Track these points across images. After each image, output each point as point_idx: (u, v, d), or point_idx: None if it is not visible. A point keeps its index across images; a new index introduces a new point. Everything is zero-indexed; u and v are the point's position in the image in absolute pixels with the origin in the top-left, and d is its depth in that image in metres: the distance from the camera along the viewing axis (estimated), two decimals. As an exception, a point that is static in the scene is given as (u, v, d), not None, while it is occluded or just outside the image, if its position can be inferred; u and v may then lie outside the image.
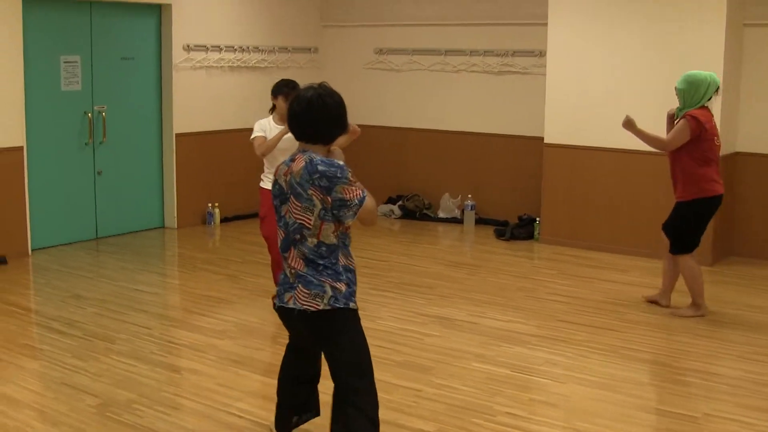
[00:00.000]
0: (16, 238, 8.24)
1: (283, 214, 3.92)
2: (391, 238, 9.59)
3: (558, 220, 9.21)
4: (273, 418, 4.43)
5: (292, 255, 3.91)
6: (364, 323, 4.01)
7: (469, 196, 10.27)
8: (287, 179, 3.86)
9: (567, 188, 9.13)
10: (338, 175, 3.75)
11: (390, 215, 10.71)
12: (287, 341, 4.31)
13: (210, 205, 9.98)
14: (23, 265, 8.04)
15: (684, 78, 6.45)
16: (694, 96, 6.41)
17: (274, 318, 6.45)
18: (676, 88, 6.49)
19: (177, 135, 9.64)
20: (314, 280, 3.83)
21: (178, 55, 9.54)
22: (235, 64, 10.17)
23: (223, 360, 5.69)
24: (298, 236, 3.85)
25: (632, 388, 5.34)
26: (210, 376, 5.37)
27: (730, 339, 6.27)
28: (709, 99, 6.45)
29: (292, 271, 3.90)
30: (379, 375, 4.16)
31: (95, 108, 9.00)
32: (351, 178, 3.77)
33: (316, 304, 3.83)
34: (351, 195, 3.76)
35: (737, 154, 8.61)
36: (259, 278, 7.72)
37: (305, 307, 3.84)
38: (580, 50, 8.90)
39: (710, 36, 8.10)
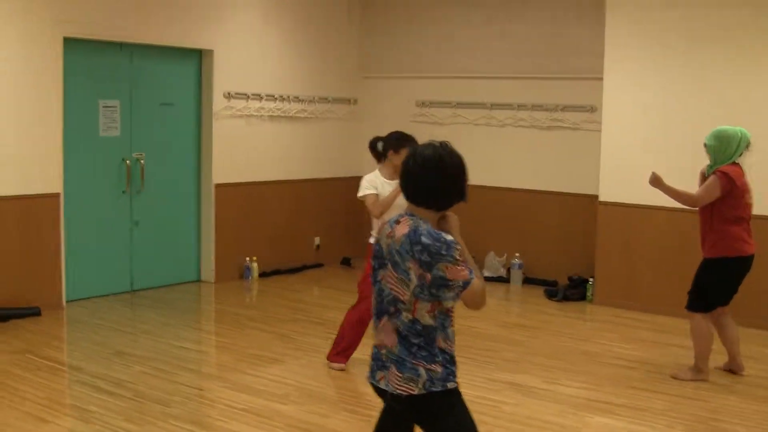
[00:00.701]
0: (51, 288, 7.86)
1: (379, 278, 3.52)
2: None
3: (613, 281, 8.83)
4: None
5: (384, 326, 3.51)
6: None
7: (516, 254, 9.88)
8: (388, 243, 3.47)
9: (623, 248, 8.77)
10: (443, 251, 3.31)
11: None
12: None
13: (248, 259, 9.59)
14: (58, 318, 7.66)
15: (713, 134, 6.19)
16: (725, 152, 6.14)
17: (334, 381, 6.12)
18: (705, 144, 6.23)
19: (216, 185, 9.25)
20: (407, 363, 3.42)
21: (218, 103, 9.23)
22: (275, 114, 9.86)
23: (293, 428, 5.26)
24: (392, 309, 3.46)
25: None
26: (281, 446, 4.93)
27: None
28: (740, 155, 6.18)
29: (384, 349, 3.50)
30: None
31: (133, 155, 8.66)
32: (458, 257, 3.32)
33: (410, 389, 3.42)
34: (455, 275, 3.32)
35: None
36: (311, 337, 7.35)
37: (399, 391, 3.44)
38: (638, 105, 8.60)
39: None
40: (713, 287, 6.31)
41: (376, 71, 10.96)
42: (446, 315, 3.44)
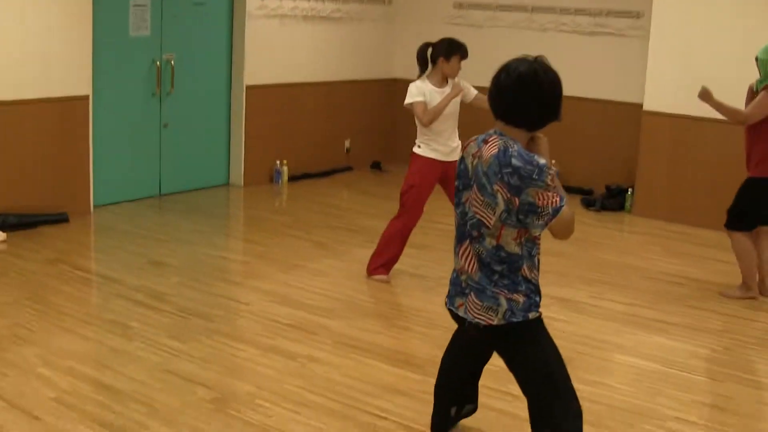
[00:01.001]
0: (78, 194, 7.61)
1: (462, 200, 3.30)
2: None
3: (654, 192, 8.60)
4: (429, 421, 3.88)
5: (465, 251, 3.31)
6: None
7: (553, 161, 9.56)
8: (474, 163, 3.22)
9: (667, 159, 8.50)
10: (534, 176, 3.07)
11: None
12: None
13: (278, 162, 9.34)
14: (86, 224, 7.45)
15: (766, 48, 5.85)
16: None
17: (382, 295, 5.94)
18: (756, 58, 5.90)
19: (247, 87, 8.95)
20: (487, 291, 3.22)
21: (252, 2, 8.84)
22: (309, 14, 9.48)
23: (341, 345, 5.10)
24: (475, 233, 3.24)
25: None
26: (332, 366, 4.78)
27: None
28: None
29: (464, 275, 3.31)
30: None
31: (164, 56, 8.33)
32: (549, 182, 3.08)
33: (490, 319, 3.25)
34: (545, 202, 3.08)
35: None
36: (349, 246, 7.18)
37: (477, 320, 3.27)
38: (689, 11, 8.21)
39: None
40: (754, 206, 6.07)
41: (411, -31, 10.52)
42: (533, 243, 3.23)
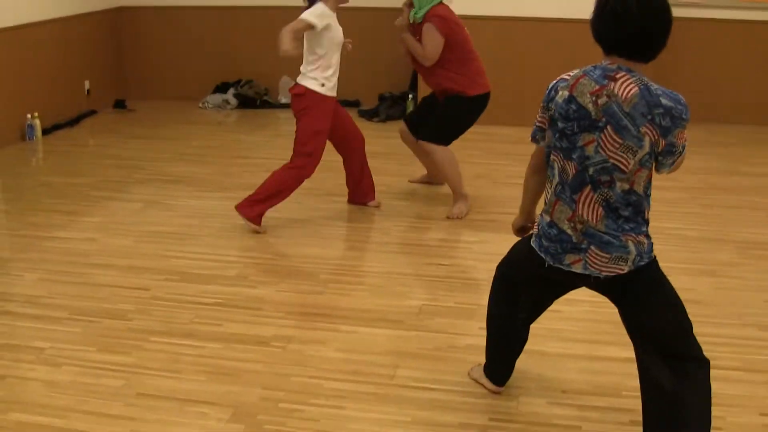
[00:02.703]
0: None
1: (580, 144, 2.94)
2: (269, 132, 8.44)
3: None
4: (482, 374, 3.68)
5: (587, 198, 2.98)
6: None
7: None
8: (603, 102, 2.87)
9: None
10: (684, 115, 2.86)
11: (225, 107, 9.46)
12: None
13: (29, 115, 8.12)
14: None
15: None
16: None
17: (278, 249, 5.40)
18: None
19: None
20: (614, 240, 2.96)
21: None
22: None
23: (298, 316, 4.54)
24: (606, 178, 2.93)
25: None
26: (317, 342, 4.22)
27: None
28: None
29: (582, 225, 2.99)
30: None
31: None
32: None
33: (620, 269, 3.00)
34: (682, 140, 2.91)
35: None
36: (183, 199, 6.41)
37: (606, 273, 3.02)
38: None
39: None
40: (456, 123, 5.98)
41: None
42: (650, 181, 3.00)
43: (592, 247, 2.98)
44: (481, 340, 3.74)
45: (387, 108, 8.83)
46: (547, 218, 3.09)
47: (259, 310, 4.51)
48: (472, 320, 4.34)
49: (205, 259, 5.19)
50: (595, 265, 3.00)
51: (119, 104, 9.37)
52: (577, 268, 3.04)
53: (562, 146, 2.98)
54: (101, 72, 9.34)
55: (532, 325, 3.59)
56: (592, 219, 2.97)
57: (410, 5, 5.80)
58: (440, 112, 5.85)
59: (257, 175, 5.89)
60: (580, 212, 2.98)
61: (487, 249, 5.37)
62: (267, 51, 8.91)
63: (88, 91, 9.14)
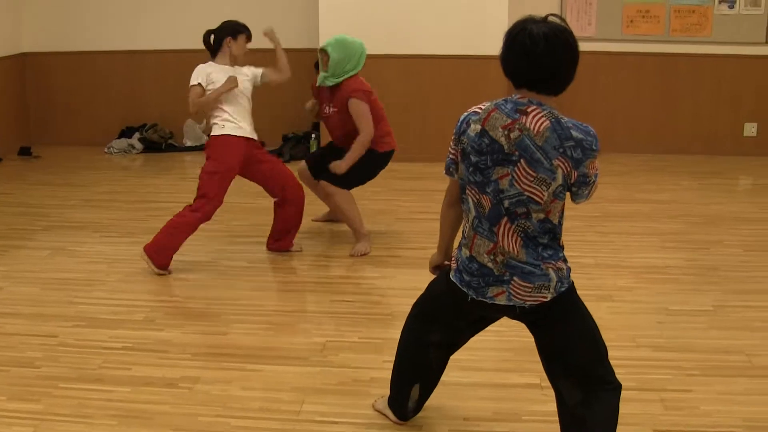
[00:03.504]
0: None
1: (494, 178, 3.04)
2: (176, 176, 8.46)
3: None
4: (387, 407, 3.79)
5: (505, 230, 3.08)
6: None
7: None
8: (515, 136, 2.98)
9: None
10: (594, 146, 2.99)
11: (130, 151, 9.47)
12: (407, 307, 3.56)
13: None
14: None
15: (339, 42, 5.97)
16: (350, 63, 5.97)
17: (182, 291, 5.46)
18: (323, 49, 5.96)
19: None
20: (535, 270, 3.07)
21: None
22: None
23: (206, 356, 4.60)
24: (522, 210, 3.05)
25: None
26: (225, 382, 4.30)
27: None
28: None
29: (502, 257, 3.10)
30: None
31: None
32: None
33: (543, 297, 3.12)
34: (594, 170, 3.05)
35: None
36: (91, 245, 6.41)
37: (530, 302, 3.13)
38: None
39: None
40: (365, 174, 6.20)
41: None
42: (563, 210, 3.15)
43: (515, 278, 3.08)
44: (386, 373, 3.86)
45: (291, 148, 8.98)
46: (467, 252, 3.13)
47: (166, 353, 4.56)
48: (376, 354, 4.47)
49: (113, 304, 5.21)
50: (518, 296, 3.10)
51: (24, 151, 9.31)
52: (501, 300, 3.14)
53: (476, 180, 3.07)
54: (5, 118, 9.27)
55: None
56: (513, 249, 3.07)
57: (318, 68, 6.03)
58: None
59: (163, 219, 5.93)
60: (500, 243, 3.08)
61: (390, 284, 5.52)
62: (171, 95, 9.01)
63: (-9, 138, 9.02)
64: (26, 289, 5.51)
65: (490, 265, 3.11)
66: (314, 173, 6.26)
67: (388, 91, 8.43)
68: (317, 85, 6.08)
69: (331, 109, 6.05)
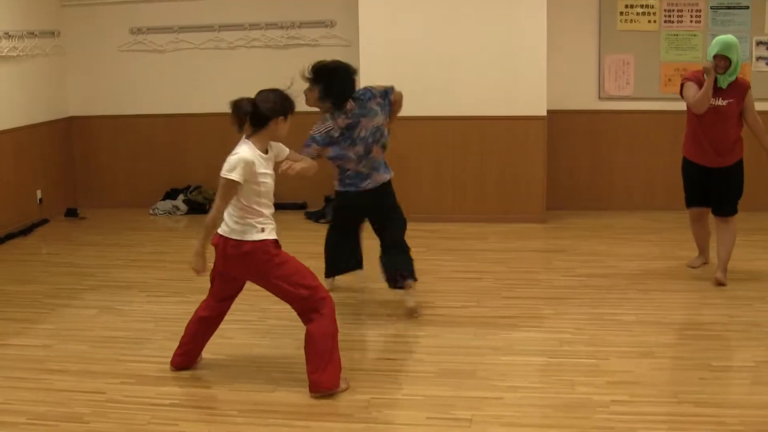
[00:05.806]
0: None
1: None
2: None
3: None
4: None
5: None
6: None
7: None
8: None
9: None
10: None
11: (175, 212, 9.62)
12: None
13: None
14: None
15: (727, 42, 6.30)
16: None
17: (223, 349, 5.46)
18: (719, 55, 6.31)
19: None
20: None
21: None
22: (-16, 54, 8.41)
23: (258, 413, 4.66)
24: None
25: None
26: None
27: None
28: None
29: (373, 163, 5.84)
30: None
31: None
32: None
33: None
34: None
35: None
36: (138, 304, 6.53)
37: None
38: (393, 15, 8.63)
39: None
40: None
41: (74, -3, 9.76)
42: None
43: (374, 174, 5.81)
44: (429, 429, 3.96)
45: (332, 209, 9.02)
46: None
47: (213, 409, 4.65)
48: (419, 411, 4.47)
49: (160, 361, 5.29)
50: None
51: (71, 212, 9.50)
52: (368, 186, 5.82)
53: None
54: (53, 181, 9.51)
55: (479, 412, 4.05)
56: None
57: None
58: None
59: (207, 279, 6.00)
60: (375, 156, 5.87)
61: (433, 342, 5.53)
62: (215, 157, 9.14)
63: (40, 200, 9.28)
64: (74, 347, 5.61)
65: (363, 168, 5.80)
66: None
67: (424, 149, 8.61)
68: (722, 87, 6.37)
69: (725, 102, 6.38)
